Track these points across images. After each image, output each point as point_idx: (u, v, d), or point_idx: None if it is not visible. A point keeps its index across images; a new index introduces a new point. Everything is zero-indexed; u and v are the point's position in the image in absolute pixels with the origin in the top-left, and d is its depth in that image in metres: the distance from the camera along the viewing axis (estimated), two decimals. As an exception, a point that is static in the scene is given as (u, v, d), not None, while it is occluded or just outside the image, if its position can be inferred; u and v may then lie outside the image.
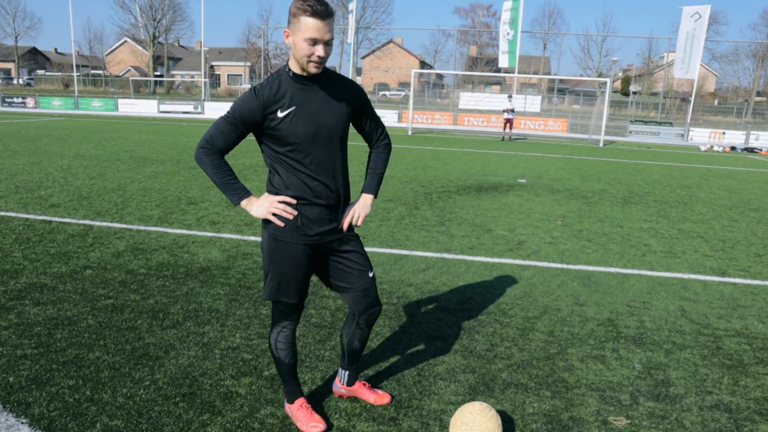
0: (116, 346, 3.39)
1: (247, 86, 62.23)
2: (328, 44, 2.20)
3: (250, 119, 2.28)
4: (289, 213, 2.36)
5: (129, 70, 74.46)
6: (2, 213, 6.67)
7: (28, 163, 10.78)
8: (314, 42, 2.16)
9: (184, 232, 6.11)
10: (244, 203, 2.36)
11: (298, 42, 2.18)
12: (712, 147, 24.57)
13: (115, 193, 8.09)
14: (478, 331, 3.81)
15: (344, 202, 2.49)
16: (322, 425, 2.60)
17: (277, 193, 2.38)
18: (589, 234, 6.77)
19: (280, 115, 2.26)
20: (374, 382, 3.08)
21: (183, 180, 9.46)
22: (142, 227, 6.24)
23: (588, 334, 3.87)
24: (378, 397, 2.86)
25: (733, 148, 24.63)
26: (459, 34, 59.80)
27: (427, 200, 8.48)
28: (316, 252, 2.47)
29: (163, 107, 33.60)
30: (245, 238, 5.94)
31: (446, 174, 11.51)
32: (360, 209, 2.56)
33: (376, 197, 2.65)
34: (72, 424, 2.60)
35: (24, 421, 2.61)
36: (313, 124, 2.31)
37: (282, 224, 2.37)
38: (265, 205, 2.36)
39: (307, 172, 2.34)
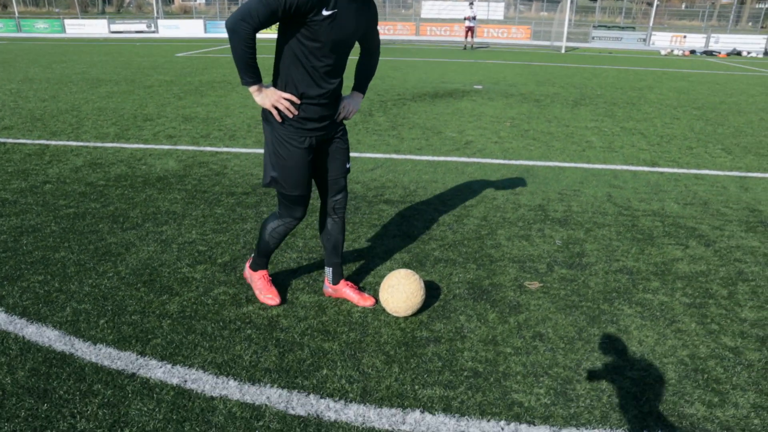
0: (80, 246, 3.64)
1: (201, 1, 59.18)
2: None
3: (302, 8, 2.24)
4: (291, 111, 2.46)
5: (74, -13, 69.82)
6: (-46, 136, 6.65)
7: (-25, 88, 10.48)
8: None
9: (141, 146, 6.23)
10: (253, 88, 2.42)
11: None
12: (672, 51, 24.80)
13: (69, 114, 8.04)
14: (416, 219, 4.16)
15: (338, 98, 2.64)
16: (278, 299, 2.93)
17: (284, 90, 2.47)
18: (534, 133, 7.09)
19: (324, 13, 2.29)
20: (316, 266, 3.43)
21: (138, 98, 9.39)
22: (98, 144, 6.32)
23: (518, 218, 4.25)
24: (361, 298, 2.98)
25: (692, 52, 24.89)
26: (422, -62, 57.12)
27: (382, 107, 8.64)
28: (310, 145, 2.60)
29: (114, 27, 32.04)
30: (201, 149, 6.10)
31: (403, 83, 11.59)
32: (352, 106, 2.74)
33: (363, 96, 2.80)
34: (44, 309, 2.90)
35: (0, 309, 2.90)
36: (344, 31, 2.39)
37: (280, 119, 2.49)
38: (272, 98, 2.43)
39: (320, 74, 2.44)
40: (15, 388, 2.32)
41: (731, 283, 3.33)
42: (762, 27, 42.54)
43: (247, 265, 3.06)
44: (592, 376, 2.46)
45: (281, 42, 2.42)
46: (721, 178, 5.46)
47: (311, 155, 2.62)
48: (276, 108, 2.48)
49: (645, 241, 3.91)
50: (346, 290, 3.02)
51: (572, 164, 5.75)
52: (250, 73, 2.38)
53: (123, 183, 4.94)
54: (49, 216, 4.17)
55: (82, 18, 34.72)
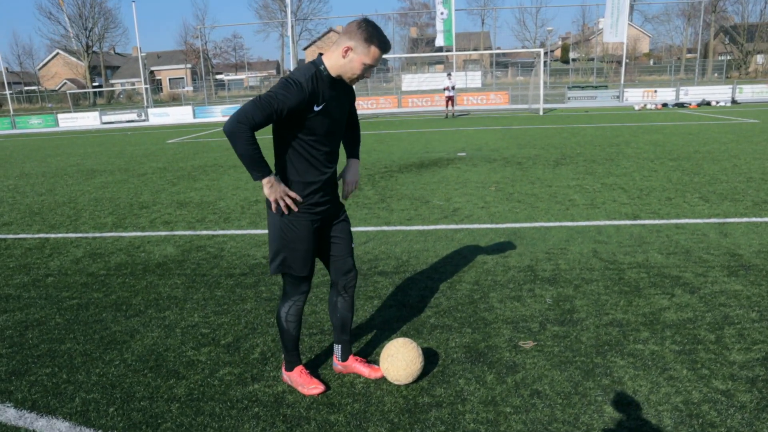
0: (85, 337, 3.73)
1: (189, 88, 61.25)
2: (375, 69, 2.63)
3: (294, 108, 2.44)
4: (292, 209, 2.61)
5: (65, 83, 72.12)
6: (-45, 236, 6.81)
7: (-28, 187, 10.73)
8: (370, 68, 2.55)
9: (139, 234, 6.40)
10: (264, 181, 2.52)
11: (357, 62, 2.51)
12: (645, 105, 25.79)
13: (66, 206, 8.25)
14: (411, 288, 4.30)
15: (336, 179, 2.84)
16: (322, 386, 2.93)
17: (290, 183, 2.64)
18: (519, 196, 7.35)
19: (315, 109, 2.51)
20: (317, 341, 3.53)
21: (133, 187, 9.65)
22: (97, 234, 6.49)
23: (509, 279, 4.40)
24: (372, 371, 3.03)
25: (665, 105, 25.90)
26: (398, 16, 60.20)
27: (370, 181, 8.93)
28: (317, 227, 2.76)
29: (106, 118, 32.98)
30: (198, 233, 6.28)
31: (389, 155, 11.99)
32: (353, 177, 2.97)
33: (359, 161, 3.07)
34: (53, 401, 2.97)
35: (9, 405, 2.96)
36: (335, 120, 2.63)
37: (282, 213, 2.63)
38: (277, 192, 2.55)
39: (321, 161, 2.63)
40: (30, 482, 2.37)
41: (718, 327, 3.46)
42: (727, 77, 44.43)
43: (283, 370, 3.05)
44: (591, 429, 2.55)
45: (279, 136, 2.60)
46: (701, 225, 5.67)
47: (316, 237, 2.77)
48: (278, 205, 2.62)
49: (632, 292, 4.06)
50: (356, 365, 3.07)
51: (557, 223, 5.96)
52: (258, 168, 2.47)
53: (123, 271, 5.07)
54: (53, 308, 4.27)
55: (75, 111, 35.75)
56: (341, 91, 2.65)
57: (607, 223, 5.91)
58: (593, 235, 5.50)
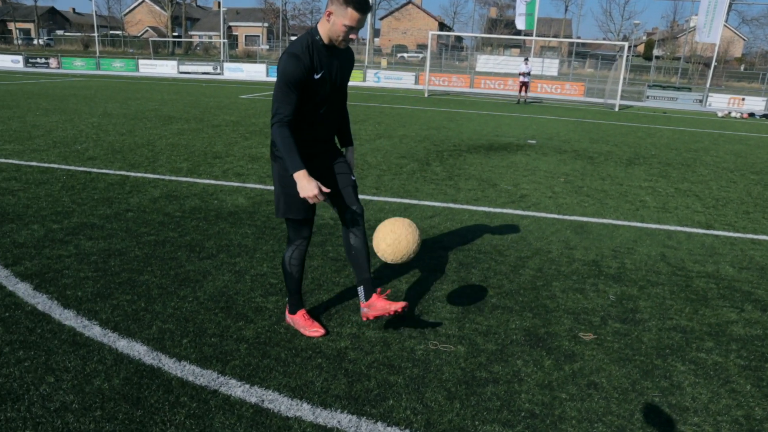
0: (162, 271, 3.97)
1: (264, 47, 62.13)
2: (358, 30, 2.78)
3: (302, 80, 2.69)
4: (320, 198, 2.74)
5: (147, 30, 74.57)
6: (46, 164, 7.27)
7: (60, 121, 11.38)
8: (352, 29, 2.72)
9: (212, 182, 6.66)
10: (296, 174, 2.71)
11: (338, 25, 2.69)
12: (729, 113, 24.46)
13: (145, 148, 8.65)
14: (474, 266, 4.34)
15: (335, 127, 3.09)
16: (322, 330, 3.19)
17: None
18: (588, 190, 7.21)
19: (315, 77, 2.75)
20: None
21: (207, 137, 9.99)
22: (173, 177, 6.80)
23: (573, 271, 4.38)
24: (394, 305, 2.98)
25: (751, 115, 24.50)
26: (479, -5, 58.81)
27: (439, 157, 8.94)
28: (313, 170, 2.98)
29: (183, 68, 34.01)
30: (268, 187, 6.48)
31: (459, 134, 11.92)
32: (352, 163, 3.25)
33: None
34: (133, 326, 3.20)
35: (95, 323, 3.21)
36: (333, 86, 2.87)
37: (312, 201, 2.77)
38: (307, 189, 2.69)
39: (318, 122, 2.91)
40: (112, 393, 2.58)
41: (788, 349, 3.36)
42: (826, 93, 41.39)
43: (287, 312, 3.31)
44: (646, 426, 2.56)
45: None
46: (780, 244, 5.44)
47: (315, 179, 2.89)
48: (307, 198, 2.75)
49: (699, 301, 3.97)
50: (379, 303, 3.01)
51: (626, 222, 5.84)
52: (293, 162, 2.71)
53: (197, 215, 5.32)
54: (133, 241, 4.54)
55: (154, 59, 37.00)
56: (341, 57, 2.87)
57: (678, 228, 5.74)
58: (662, 239, 5.36)
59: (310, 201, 2.73)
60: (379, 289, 3.11)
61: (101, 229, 4.81)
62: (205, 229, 4.93)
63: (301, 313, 3.25)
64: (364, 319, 3.05)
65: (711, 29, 28.10)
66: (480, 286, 3.99)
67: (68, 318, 3.25)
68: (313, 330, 3.18)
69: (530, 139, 11.70)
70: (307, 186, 2.70)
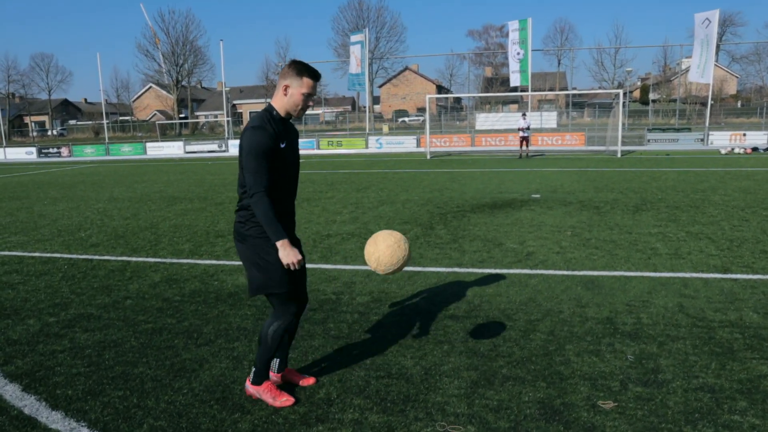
0: (157, 362, 3.81)
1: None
2: (314, 97, 2.96)
3: (272, 148, 2.81)
4: (297, 269, 2.91)
5: (155, 114, 77.06)
6: (48, 255, 7.24)
7: (67, 209, 11.49)
8: (309, 96, 2.93)
9: (214, 262, 6.57)
10: (281, 243, 2.82)
11: (297, 95, 2.90)
12: (732, 149, 24.43)
13: (148, 231, 8.64)
14: (482, 334, 4.14)
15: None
16: (292, 399, 3.15)
17: (250, 214, 2.94)
18: (597, 242, 7.03)
19: (281, 146, 2.89)
20: (384, 384, 3.43)
21: (210, 215, 10.00)
22: (174, 260, 6.72)
23: (586, 331, 4.16)
24: (304, 380, 3.39)
25: (754, 149, 24.44)
26: (473, 56, 60.63)
27: (442, 220, 8.84)
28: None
29: (189, 147, 34.79)
30: (269, 264, 6.37)
31: (462, 194, 11.87)
32: None
33: None
34: (123, 425, 3.01)
35: (84, 424, 3.03)
36: (295, 157, 3.04)
37: (291, 269, 2.91)
38: (291, 256, 2.83)
39: (289, 195, 3.01)
40: None
41: (827, 403, 3.10)
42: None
43: (248, 383, 3.23)
44: None
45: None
46: (803, 285, 5.20)
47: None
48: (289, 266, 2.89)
49: (725, 355, 3.72)
50: (290, 375, 3.39)
51: (638, 273, 5.63)
52: (276, 231, 2.80)
53: (197, 299, 5.19)
54: (129, 331, 4.40)
55: (161, 141, 37.96)
56: (292, 132, 3.04)
57: (694, 275, 5.53)
58: (678, 288, 5.15)
59: (292, 267, 2.83)
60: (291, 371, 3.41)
61: (98, 320, 4.69)
62: (204, 313, 4.80)
63: (268, 384, 3.20)
64: (247, 393, 3.24)
65: (704, 70, 28.54)
66: (489, 355, 3.79)
67: (55, 420, 3.08)
68: (282, 400, 3.13)
69: (534, 194, 11.62)
70: (290, 252, 2.82)
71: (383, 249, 3.17)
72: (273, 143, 2.81)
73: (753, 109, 48.79)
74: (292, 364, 3.71)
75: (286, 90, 2.89)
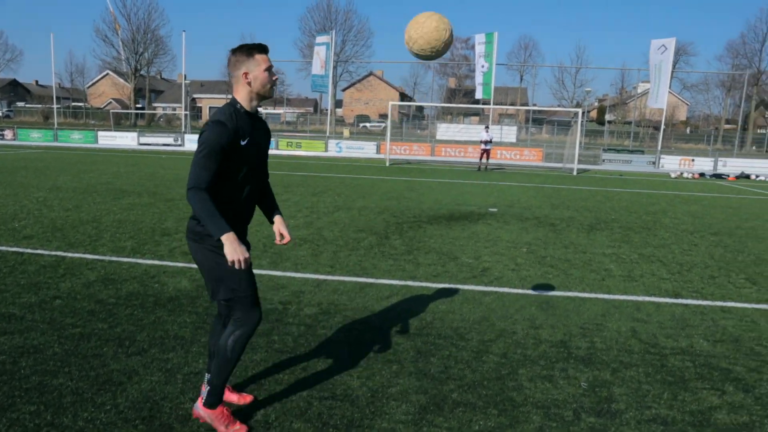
0: (80, 372, 3.48)
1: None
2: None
3: (226, 146, 2.62)
4: (244, 267, 2.63)
5: (110, 102, 74.52)
6: (-26, 246, 6.71)
7: (2, 195, 10.80)
8: (271, 69, 2.75)
9: (156, 262, 6.21)
10: (225, 237, 2.55)
11: (260, 74, 2.72)
12: (682, 174, 25.28)
13: (89, 225, 8.16)
14: (434, 354, 3.97)
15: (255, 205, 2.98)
16: (245, 427, 2.90)
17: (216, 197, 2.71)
18: (552, 260, 6.99)
19: (242, 143, 2.69)
20: (327, 406, 3.21)
21: (159, 212, 9.56)
22: (114, 258, 6.32)
23: (540, 355, 4.04)
24: (241, 398, 3.20)
25: (702, 175, 25.35)
26: (438, 66, 61.07)
27: (398, 230, 8.67)
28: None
29: (143, 139, 33.68)
30: (216, 267, 6.05)
31: (419, 204, 11.75)
32: (285, 229, 3.06)
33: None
34: (32, 448, 2.69)
35: (-15, 445, 2.70)
36: (258, 154, 2.82)
37: (234, 268, 2.65)
38: (238, 252, 2.55)
39: (242, 198, 2.79)
40: None
41: (777, 440, 3.05)
42: (766, 151, 43.58)
43: (200, 405, 2.94)
44: None
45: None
46: (750, 311, 5.26)
47: None
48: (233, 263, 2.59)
49: (677, 384, 3.66)
50: (227, 394, 3.16)
51: (592, 294, 5.59)
52: (217, 225, 2.55)
53: (134, 302, 4.85)
54: (54, 335, 4.05)
55: (115, 130, 36.64)
56: (260, 128, 2.85)
57: (646, 299, 5.52)
58: (631, 311, 5.12)
59: (237, 265, 2.56)
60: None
61: (20, 321, 4.30)
62: (140, 319, 4.47)
63: (222, 409, 2.92)
64: (195, 415, 2.99)
65: (658, 95, 29.49)
66: (440, 377, 3.61)
67: (-46, 440, 2.73)
68: (235, 428, 2.87)
69: (491, 207, 11.60)
70: (238, 248, 2.55)
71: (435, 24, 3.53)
72: (229, 141, 2.62)
73: (701, 136, 50.84)
74: (230, 380, 3.45)
75: (246, 76, 2.72)
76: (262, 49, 2.74)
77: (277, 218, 3.06)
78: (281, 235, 3.02)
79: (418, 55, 3.76)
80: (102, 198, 10.97)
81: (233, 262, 2.55)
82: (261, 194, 3.05)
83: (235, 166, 2.70)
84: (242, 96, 2.76)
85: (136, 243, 7.11)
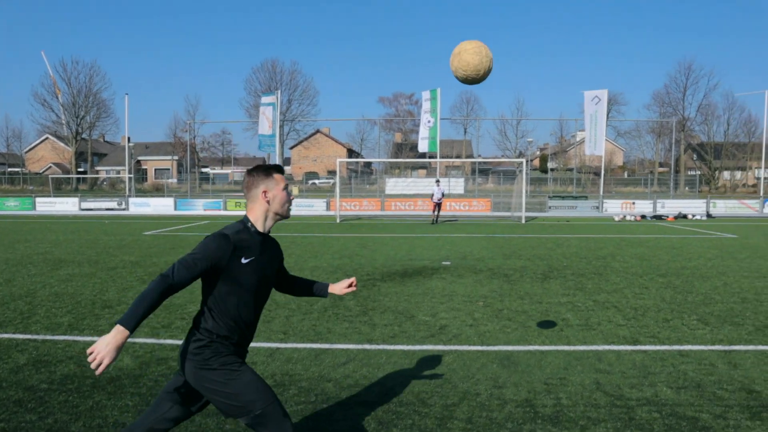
0: (3, 477, 3.10)
1: (173, 180, 61.59)
2: None
3: (219, 259, 2.55)
4: (96, 370, 2.29)
5: (50, 167, 72.28)
6: None
7: (-74, 274, 10.04)
8: (287, 188, 2.80)
9: (96, 339, 5.79)
10: (125, 334, 2.34)
11: (279, 193, 2.75)
12: (624, 217, 26.22)
13: (21, 300, 7.62)
14: (396, 424, 3.76)
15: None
16: None
17: (210, 335, 2.61)
18: (509, 313, 6.93)
19: (243, 261, 2.62)
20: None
21: (100, 282, 9.06)
22: (49, 336, 5.87)
23: (506, 417, 3.89)
24: None
25: (643, 217, 26.37)
26: (384, 122, 62.41)
27: (353, 288, 8.47)
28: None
29: (85, 204, 32.57)
30: (160, 341, 5.69)
31: (372, 261, 11.61)
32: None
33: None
34: None
35: None
36: (262, 275, 2.73)
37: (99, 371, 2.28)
38: (109, 353, 2.30)
39: (242, 317, 2.67)
40: None
41: (753, 493, 2.97)
42: (699, 191, 45.95)
43: None
44: None
45: (208, 286, 2.66)
46: (706, 353, 5.29)
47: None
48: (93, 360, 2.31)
49: (646, 439, 3.57)
50: None
51: (552, 347, 5.52)
52: (133, 317, 2.37)
53: (68, 386, 4.45)
54: (-25, 434, 3.63)
55: (54, 196, 35.32)
56: (271, 249, 2.82)
57: (606, 348, 5.49)
58: (593, 362, 5.06)
59: (91, 360, 2.26)
60: None
61: (-64, 420, 3.85)
62: (75, 406, 4.08)
63: None
64: None
65: (596, 143, 30.85)
66: (405, 450, 3.40)
67: None
68: None
69: (445, 261, 11.57)
70: (112, 350, 2.29)
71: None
72: (226, 255, 2.56)
73: (638, 179, 53.24)
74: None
75: (265, 195, 2.73)
76: (279, 169, 2.80)
77: (330, 287, 3.17)
78: (349, 284, 3.13)
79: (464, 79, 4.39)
80: (37, 269, 10.35)
81: (92, 354, 2.27)
82: (290, 284, 3.11)
83: (234, 285, 2.62)
84: (257, 215, 2.75)
85: (73, 318, 6.65)
